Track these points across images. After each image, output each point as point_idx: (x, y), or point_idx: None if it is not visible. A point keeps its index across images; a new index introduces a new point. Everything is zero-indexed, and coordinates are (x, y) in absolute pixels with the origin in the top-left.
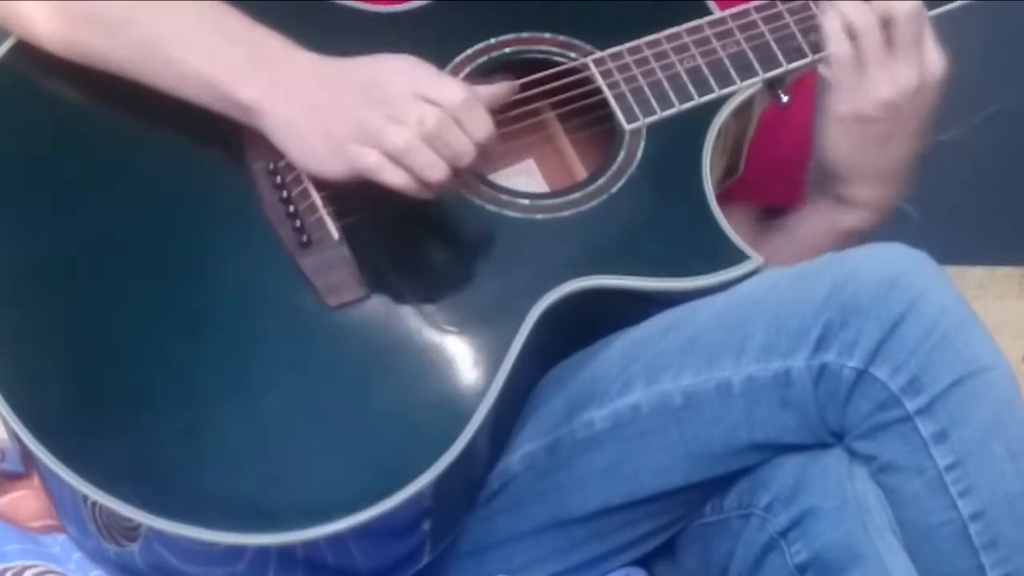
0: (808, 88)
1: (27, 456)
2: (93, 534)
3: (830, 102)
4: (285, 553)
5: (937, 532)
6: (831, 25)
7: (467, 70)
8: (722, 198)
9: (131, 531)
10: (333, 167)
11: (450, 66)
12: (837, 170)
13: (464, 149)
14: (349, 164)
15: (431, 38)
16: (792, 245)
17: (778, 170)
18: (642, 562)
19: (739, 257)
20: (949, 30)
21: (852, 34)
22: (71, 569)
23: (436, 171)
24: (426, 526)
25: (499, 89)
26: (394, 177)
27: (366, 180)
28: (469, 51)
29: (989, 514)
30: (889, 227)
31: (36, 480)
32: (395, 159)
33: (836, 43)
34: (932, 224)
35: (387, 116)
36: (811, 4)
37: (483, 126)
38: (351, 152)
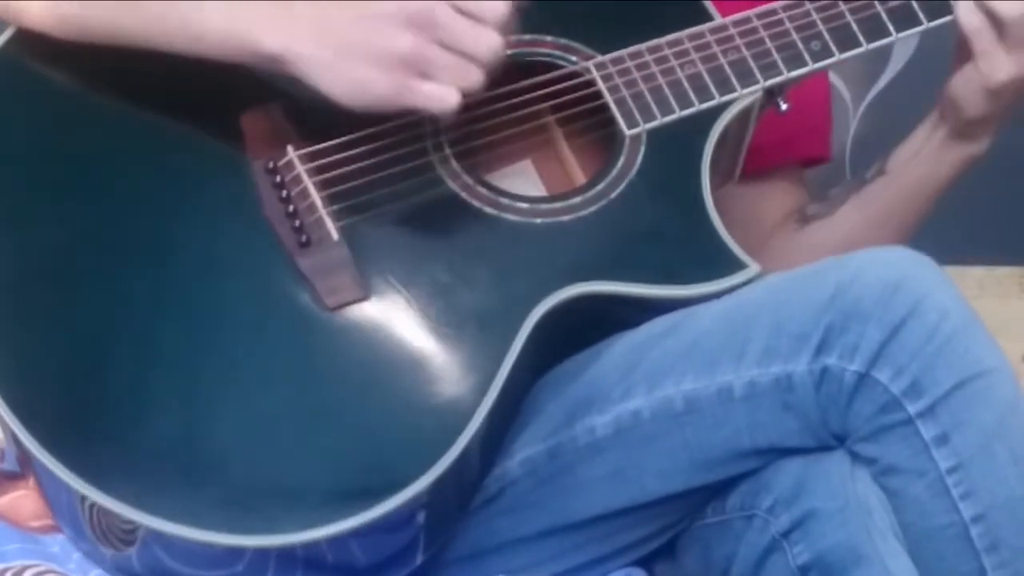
0: None
1: (24, 458)
2: (89, 538)
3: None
4: (284, 554)
5: (939, 535)
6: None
7: None
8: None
9: (128, 534)
10: (386, 98)
11: None
12: (971, 116)
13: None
14: (414, 99)
15: None
16: (874, 226)
17: (808, 125)
18: (642, 562)
19: (737, 265)
20: (949, 30)
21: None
22: (71, 569)
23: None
24: (421, 527)
25: None
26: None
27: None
28: None
29: (991, 517)
30: None
31: (32, 482)
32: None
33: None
34: (932, 224)
35: (445, 45)
36: (812, 11)
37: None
38: (420, 89)
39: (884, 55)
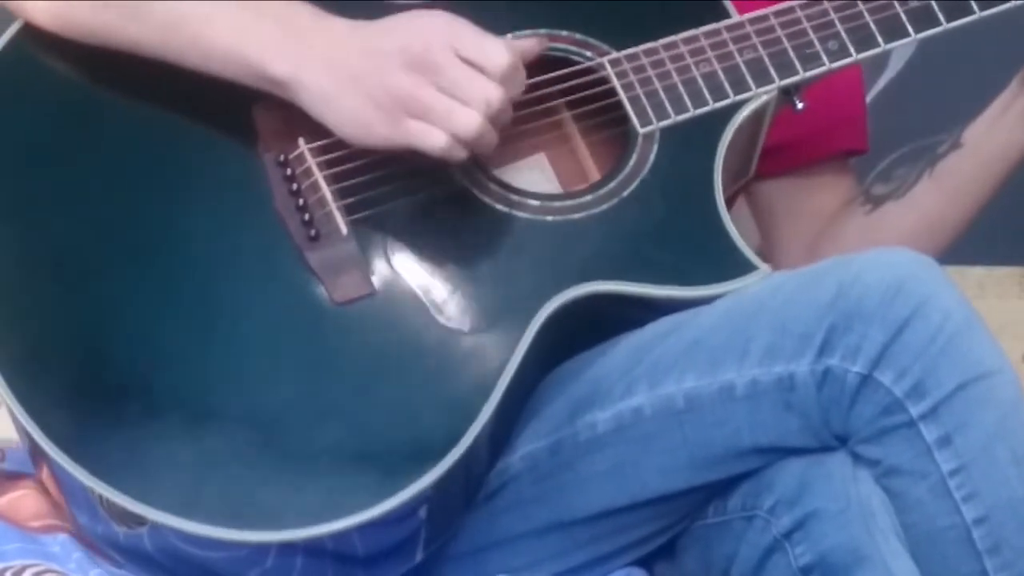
0: None
1: (35, 450)
2: (103, 519)
3: None
4: (285, 544)
5: (941, 536)
6: None
7: None
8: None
9: (140, 515)
10: (383, 137)
11: None
12: None
13: (509, 118)
14: (407, 138)
15: None
16: (953, 201)
17: (841, 115)
18: (643, 562)
19: (747, 267)
20: (948, 30)
21: None
22: (71, 569)
23: (493, 145)
24: (424, 523)
25: (529, 44)
26: (459, 155)
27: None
28: None
29: (993, 519)
30: None
31: (44, 472)
32: (463, 142)
33: None
34: None
35: (441, 88)
36: (830, 11)
37: (520, 87)
38: (412, 128)
39: (884, 56)
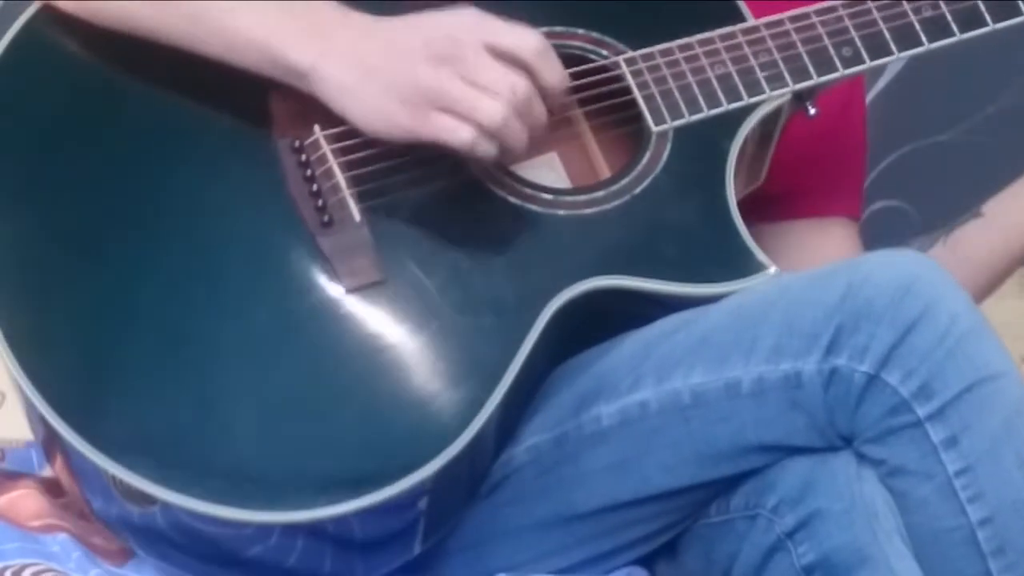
0: (859, 89)
1: (49, 434)
2: (116, 499)
3: None
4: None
5: (946, 537)
6: None
7: None
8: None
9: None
10: (405, 129)
11: None
12: None
13: (543, 115)
14: (432, 132)
15: None
16: (966, 270)
17: (843, 179)
18: (643, 561)
19: (757, 267)
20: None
21: None
22: (70, 568)
23: (522, 141)
24: (423, 514)
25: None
26: (487, 150)
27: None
28: None
29: (998, 520)
30: (889, 227)
31: (58, 463)
32: (488, 133)
33: None
34: (932, 224)
35: (466, 80)
36: (844, 17)
37: (556, 73)
38: (437, 121)
39: None
